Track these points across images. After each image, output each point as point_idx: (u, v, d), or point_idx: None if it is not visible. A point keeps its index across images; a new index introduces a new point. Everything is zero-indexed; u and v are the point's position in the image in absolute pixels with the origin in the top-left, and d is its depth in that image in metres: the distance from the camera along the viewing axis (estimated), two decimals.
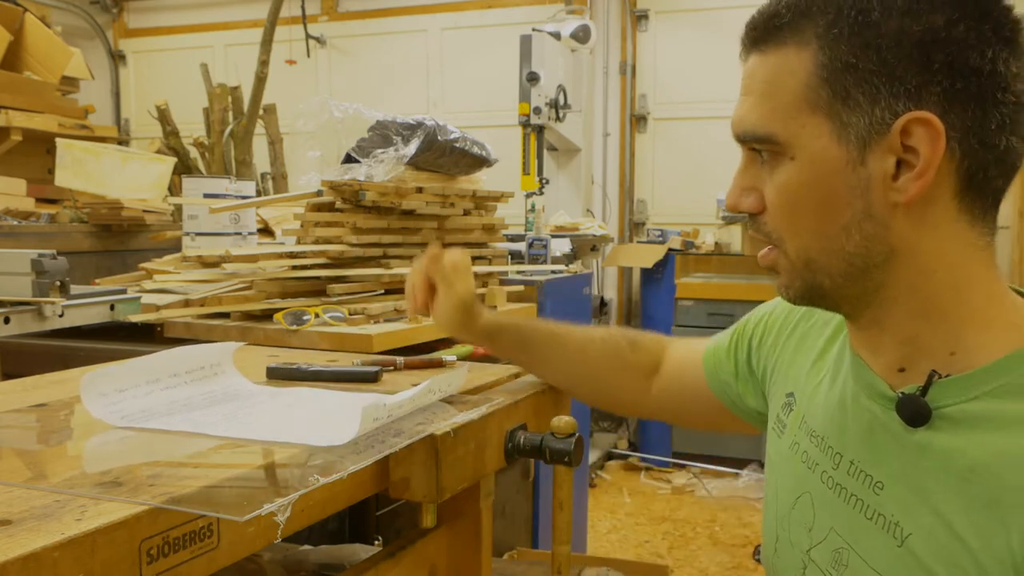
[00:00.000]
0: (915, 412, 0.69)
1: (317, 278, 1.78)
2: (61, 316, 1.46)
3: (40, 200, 3.39)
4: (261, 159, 3.80)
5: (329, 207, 1.86)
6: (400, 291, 1.86)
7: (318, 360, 1.19)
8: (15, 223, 2.88)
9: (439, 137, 1.92)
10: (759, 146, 0.73)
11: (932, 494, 0.68)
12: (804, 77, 0.69)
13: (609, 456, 4.66)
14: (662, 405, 1.07)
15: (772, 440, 0.91)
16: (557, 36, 4.28)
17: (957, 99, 0.66)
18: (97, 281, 2.00)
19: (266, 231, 2.38)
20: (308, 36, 5.72)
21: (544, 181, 4.02)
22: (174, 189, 3.31)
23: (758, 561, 3.35)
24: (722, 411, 1.02)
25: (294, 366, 1.11)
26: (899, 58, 0.66)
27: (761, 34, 0.73)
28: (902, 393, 0.71)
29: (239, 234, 2.06)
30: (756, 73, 0.73)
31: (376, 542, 1.26)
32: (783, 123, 0.71)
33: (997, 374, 0.67)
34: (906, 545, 0.68)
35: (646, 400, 1.08)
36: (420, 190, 1.89)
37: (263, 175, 3.81)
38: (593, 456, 4.44)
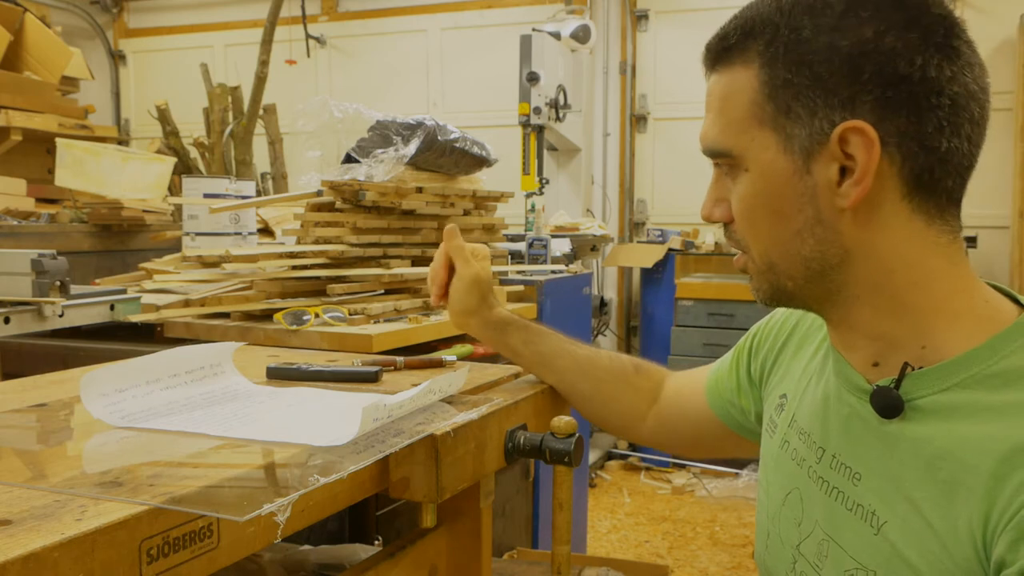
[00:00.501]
0: (888, 404, 0.72)
1: (317, 278, 1.78)
2: (61, 316, 1.46)
3: (40, 200, 3.39)
4: (261, 159, 3.80)
5: (329, 207, 1.86)
6: (400, 291, 1.86)
7: (318, 360, 1.19)
8: (15, 223, 2.88)
9: (439, 137, 1.92)
10: (719, 160, 0.79)
11: (905, 482, 0.70)
12: (751, 94, 0.74)
13: (609, 456, 4.66)
14: (658, 432, 1.09)
15: (764, 440, 0.93)
16: (557, 36, 4.28)
17: (889, 106, 0.69)
18: (97, 281, 2.00)
19: (266, 231, 2.38)
20: (308, 36, 5.72)
21: (544, 181, 4.02)
22: (174, 189, 3.32)
23: None
24: (724, 433, 1.04)
25: (294, 366, 1.10)
26: (831, 72, 0.70)
27: (716, 55, 0.78)
28: (877, 386, 0.74)
29: (239, 234, 2.06)
30: (713, 91, 0.78)
31: (376, 542, 1.26)
32: (736, 138, 0.75)
33: (966, 365, 0.69)
34: (882, 533, 0.71)
35: (642, 425, 1.09)
36: (420, 190, 1.89)
37: (263, 175, 3.82)
38: (593, 456, 4.44)
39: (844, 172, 0.71)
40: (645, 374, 1.10)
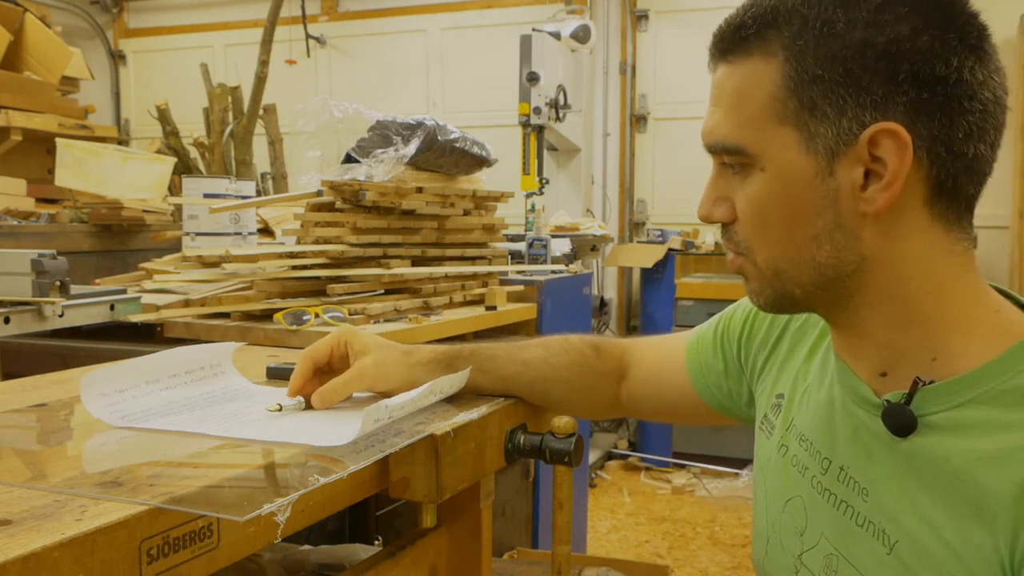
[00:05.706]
0: (901, 423, 0.69)
1: (317, 278, 1.78)
2: (61, 316, 1.46)
3: (40, 200, 3.39)
4: (261, 159, 3.80)
5: (329, 207, 1.86)
6: (400, 291, 1.86)
7: None
8: (15, 223, 2.88)
9: (439, 137, 1.92)
10: (729, 158, 0.73)
11: (919, 501, 0.68)
12: (771, 88, 0.69)
13: (609, 456, 4.66)
14: (635, 407, 1.05)
15: (760, 441, 0.91)
16: (557, 36, 4.28)
17: (923, 109, 0.66)
18: (97, 281, 2.00)
19: (266, 231, 2.38)
20: (308, 36, 5.72)
21: (544, 181, 4.02)
22: (174, 189, 3.32)
23: None
24: (702, 409, 0.99)
25: (294, 366, 1.10)
26: (864, 69, 0.66)
27: (728, 45, 0.73)
28: (887, 401, 0.71)
29: (239, 234, 2.06)
30: (725, 84, 0.73)
31: (376, 542, 1.26)
32: (752, 134, 0.71)
33: (980, 381, 0.67)
34: (895, 552, 0.69)
35: (617, 404, 1.05)
36: (420, 190, 1.89)
37: (263, 175, 3.82)
38: (593, 456, 4.44)
39: (868, 175, 0.67)
40: (606, 354, 1.03)
